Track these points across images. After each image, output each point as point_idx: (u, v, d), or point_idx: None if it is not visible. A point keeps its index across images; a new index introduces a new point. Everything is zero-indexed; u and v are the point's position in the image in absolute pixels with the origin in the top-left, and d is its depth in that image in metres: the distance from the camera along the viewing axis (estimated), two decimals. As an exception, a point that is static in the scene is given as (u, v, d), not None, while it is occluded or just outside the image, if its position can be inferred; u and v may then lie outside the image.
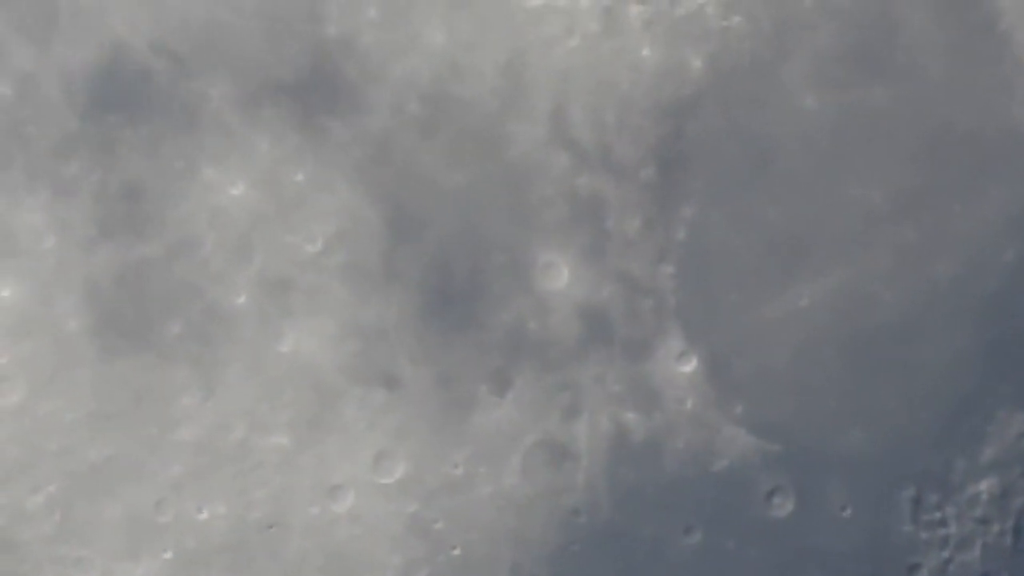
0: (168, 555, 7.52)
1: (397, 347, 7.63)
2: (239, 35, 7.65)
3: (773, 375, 7.75)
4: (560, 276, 7.70)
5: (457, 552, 7.62)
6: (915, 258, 7.77)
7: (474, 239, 7.68)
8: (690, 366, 7.72)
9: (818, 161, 7.78)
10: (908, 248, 7.77)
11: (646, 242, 7.71)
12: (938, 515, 7.68)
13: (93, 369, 7.57)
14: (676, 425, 7.70)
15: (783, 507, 7.70)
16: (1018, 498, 7.70)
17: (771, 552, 7.68)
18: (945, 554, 7.68)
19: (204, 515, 7.55)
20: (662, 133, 7.74)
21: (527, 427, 7.68)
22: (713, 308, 7.74)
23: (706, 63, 7.75)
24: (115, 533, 7.54)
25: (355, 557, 7.59)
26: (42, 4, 7.66)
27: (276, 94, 7.66)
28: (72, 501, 7.55)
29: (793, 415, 7.73)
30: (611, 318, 7.72)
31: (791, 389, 7.75)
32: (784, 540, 7.68)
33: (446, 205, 7.68)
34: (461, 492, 7.63)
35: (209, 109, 7.64)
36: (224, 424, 7.59)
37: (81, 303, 7.58)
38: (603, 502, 7.66)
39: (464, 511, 7.61)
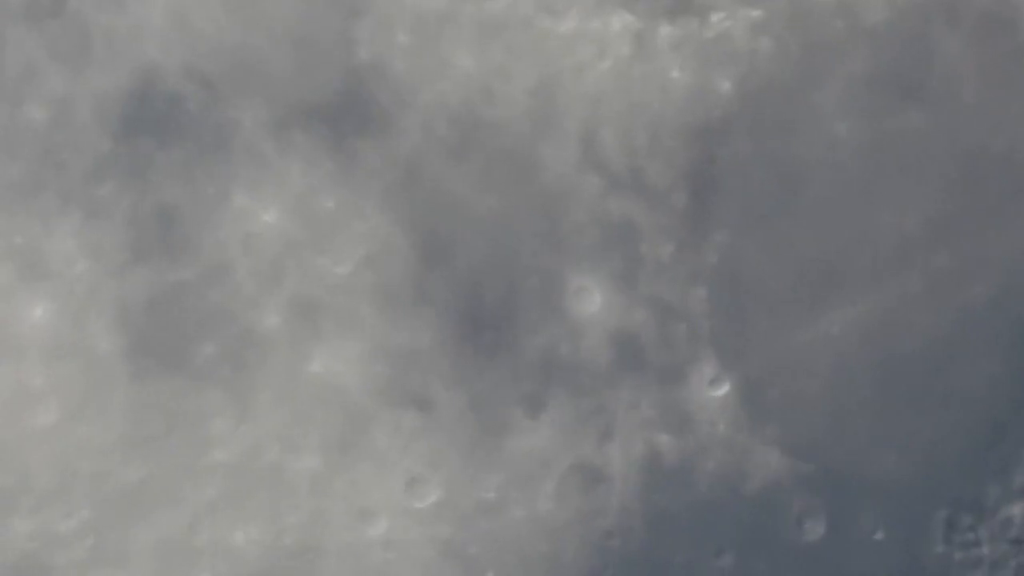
0: (204, 578, 7.74)
1: (429, 371, 7.84)
2: (271, 60, 7.88)
3: (805, 399, 7.93)
4: (592, 300, 7.91)
5: (490, 576, 7.83)
6: (948, 283, 7.94)
7: (506, 263, 7.89)
8: (723, 390, 7.91)
9: (850, 186, 7.97)
10: (941, 273, 7.94)
11: (678, 267, 7.91)
12: (971, 536, 7.85)
13: (126, 392, 7.79)
14: (708, 449, 7.89)
15: (815, 530, 7.88)
16: (1052, 522, 7.88)
17: (803, 575, 7.84)
18: (979, 575, 7.84)
19: (239, 539, 7.74)
20: (693, 157, 7.94)
21: (560, 451, 7.87)
22: (746, 333, 7.94)
23: (735, 86, 7.97)
24: (149, 557, 7.75)
25: (389, 581, 7.81)
26: (75, 28, 7.89)
27: (308, 119, 7.89)
28: (105, 525, 7.75)
29: (825, 439, 7.91)
30: (643, 343, 7.92)
31: (823, 413, 7.93)
32: (816, 563, 7.86)
33: (477, 229, 7.89)
34: (494, 516, 7.82)
35: (241, 134, 7.87)
36: (257, 447, 7.80)
37: (113, 326, 7.80)
38: (636, 525, 7.85)
39: (498, 535, 7.81)
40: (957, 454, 7.97)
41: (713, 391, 7.96)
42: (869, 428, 7.96)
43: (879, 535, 7.88)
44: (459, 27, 7.93)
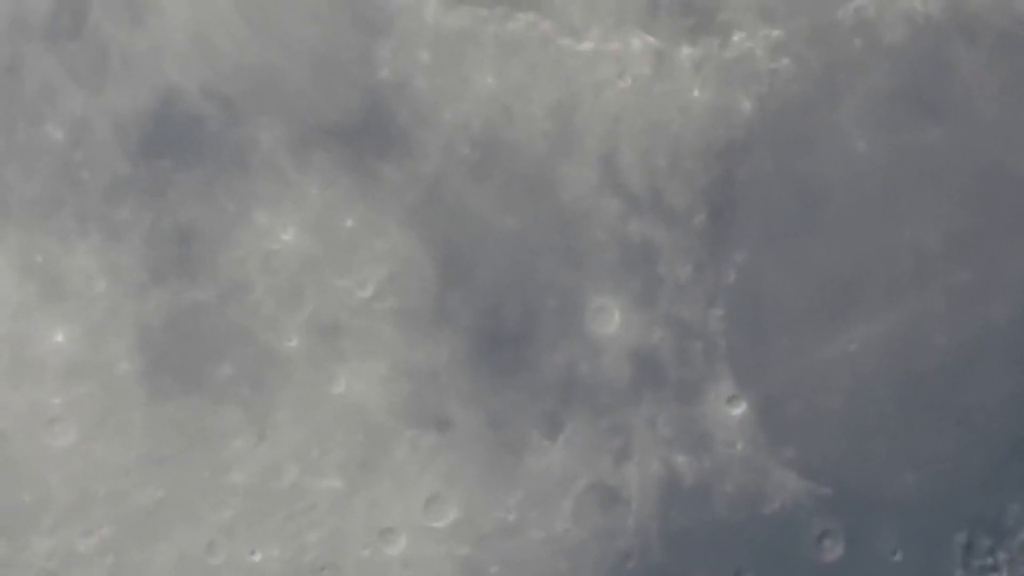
0: (226, 601, 7.83)
1: (448, 390, 7.92)
2: (291, 79, 7.95)
3: (824, 418, 8.01)
4: (611, 320, 7.98)
5: (509, 596, 7.91)
6: (968, 300, 8.01)
7: (525, 282, 7.97)
8: (741, 409, 7.98)
9: (869, 203, 8.04)
10: (961, 290, 8.01)
11: (697, 286, 7.98)
12: (989, 560, 7.93)
13: (145, 412, 7.87)
14: (727, 468, 7.96)
15: (834, 551, 7.95)
16: (1071, 542, 7.95)
17: (823, 596, 7.96)
18: (999, 602, 7.95)
19: (256, 558, 7.83)
20: (712, 176, 8.01)
21: (578, 470, 7.95)
22: (764, 351, 8.01)
23: (756, 105, 8.02)
24: (168, 577, 7.84)
25: (408, 602, 7.90)
26: (94, 48, 7.96)
27: (328, 138, 7.96)
28: (124, 544, 7.84)
29: (844, 458, 7.99)
30: (662, 361, 7.99)
31: (842, 432, 8.00)
32: (836, 584, 7.95)
33: (497, 249, 7.96)
34: (513, 536, 7.90)
35: (261, 153, 7.94)
36: (276, 467, 7.88)
37: (133, 346, 7.88)
38: (654, 546, 7.93)
39: (516, 555, 7.89)
40: (976, 472, 8.05)
41: (731, 409, 8.03)
42: (888, 446, 8.04)
43: (898, 556, 7.96)
44: (480, 47, 8.01)
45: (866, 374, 8.08)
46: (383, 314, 8.01)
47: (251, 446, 7.92)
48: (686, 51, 8.09)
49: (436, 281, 8.02)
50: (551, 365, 8.04)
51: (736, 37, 8.09)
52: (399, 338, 8.00)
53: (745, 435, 8.04)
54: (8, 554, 7.85)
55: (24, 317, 7.89)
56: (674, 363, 8.07)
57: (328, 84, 8.04)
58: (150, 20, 8.02)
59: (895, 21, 8.12)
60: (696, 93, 8.09)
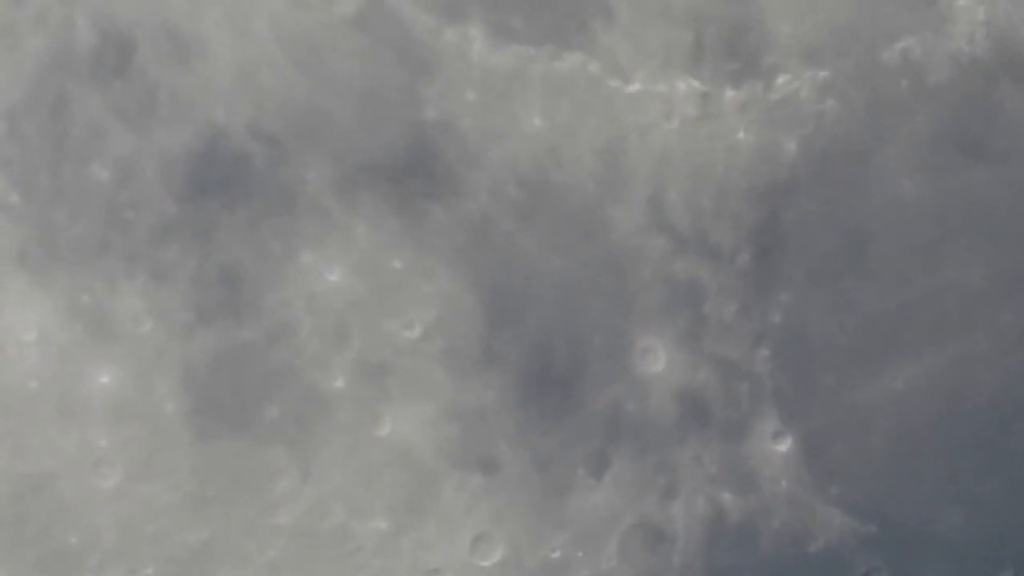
0: (275, 644, 7.95)
1: (495, 431, 8.04)
2: (337, 118, 8.07)
3: (869, 457, 8.16)
4: (658, 360, 8.12)
5: (557, 637, 8.05)
6: (1013, 340, 8.16)
7: (572, 323, 8.10)
8: (786, 447, 8.13)
9: (915, 244, 8.19)
10: (1006, 330, 8.17)
11: (743, 326, 8.12)
12: (1036, 599, 8.09)
13: (190, 452, 7.98)
14: (772, 506, 8.11)
15: (879, 589, 8.10)
16: (1116, 582, 8.11)
17: (870, 636, 8.10)
18: (1053, 646, 8.11)
19: (302, 600, 7.96)
20: (758, 217, 8.15)
21: (624, 509, 8.09)
22: (809, 390, 8.15)
23: (801, 146, 8.17)
24: (216, 619, 7.95)
25: (458, 644, 8.03)
26: (140, 88, 8.07)
27: (374, 178, 8.08)
28: (171, 585, 7.96)
29: (889, 497, 8.14)
30: (708, 401, 8.14)
31: (887, 471, 8.15)
32: (881, 623, 8.09)
33: (544, 289, 8.09)
34: (559, 574, 8.02)
35: (307, 193, 8.06)
36: (321, 508, 8.00)
37: (179, 387, 7.99)
38: (700, 585, 8.08)
39: (563, 596, 8.03)
40: (1021, 511, 8.19)
41: (777, 447, 8.17)
42: (933, 486, 8.18)
43: (945, 596, 8.12)
44: (527, 86, 8.13)
45: (911, 413, 8.23)
46: (430, 355, 8.13)
47: (296, 487, 8.04)
48: (731, 93, 8.23)
49: (483, 322, 8.15)
50: (598, 405, 8.17)
51: (781, 79, 8.24)
52: (446, 379, 8.12)
53: (790, 473, 8.18)
54: (55, 596, 7.97)
55: (72, 359, 8.00)
56: (720, 402, 8.21)
57: (374, 123, 8.16)
58: (196, 59, 8.13)
59: (941, 62, 8.27)
60: (741, 135, 8.23)
